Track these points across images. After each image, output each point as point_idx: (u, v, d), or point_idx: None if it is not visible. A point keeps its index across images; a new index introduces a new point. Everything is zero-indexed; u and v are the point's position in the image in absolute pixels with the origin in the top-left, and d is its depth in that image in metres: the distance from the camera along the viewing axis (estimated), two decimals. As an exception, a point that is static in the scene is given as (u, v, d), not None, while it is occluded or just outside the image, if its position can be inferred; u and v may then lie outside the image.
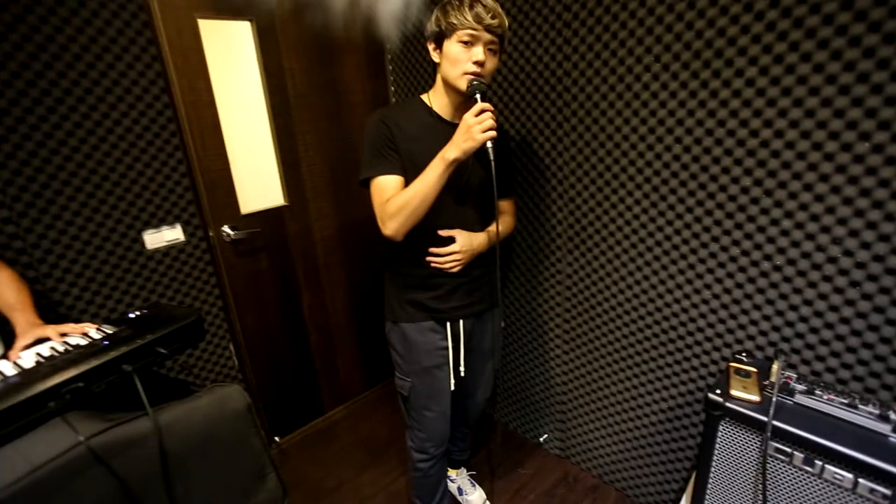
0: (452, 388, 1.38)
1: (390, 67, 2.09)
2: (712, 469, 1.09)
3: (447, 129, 1.16)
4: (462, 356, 1.36)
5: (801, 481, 0.95)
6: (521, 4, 1.49)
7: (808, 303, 1.13)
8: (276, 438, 2.07)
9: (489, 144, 1.06)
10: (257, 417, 1.09)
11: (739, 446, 1.03)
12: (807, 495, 0.94)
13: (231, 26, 1.66)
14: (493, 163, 1.08)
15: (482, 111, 1.05)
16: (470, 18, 1.07)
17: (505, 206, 1.39)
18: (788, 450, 0.94)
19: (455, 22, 1.09)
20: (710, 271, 1.28)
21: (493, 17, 1.09)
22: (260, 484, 1.11)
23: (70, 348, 0.99)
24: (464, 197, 1.25)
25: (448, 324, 1.33)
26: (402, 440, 1.56)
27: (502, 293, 1.39)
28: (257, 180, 1.82)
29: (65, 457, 0.80)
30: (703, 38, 1.14)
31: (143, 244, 1.53)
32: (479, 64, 1.10)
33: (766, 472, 0.98)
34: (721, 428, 1.04)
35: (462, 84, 1.12)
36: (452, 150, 1.07)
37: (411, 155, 1.18)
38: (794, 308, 1.16)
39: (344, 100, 1.97)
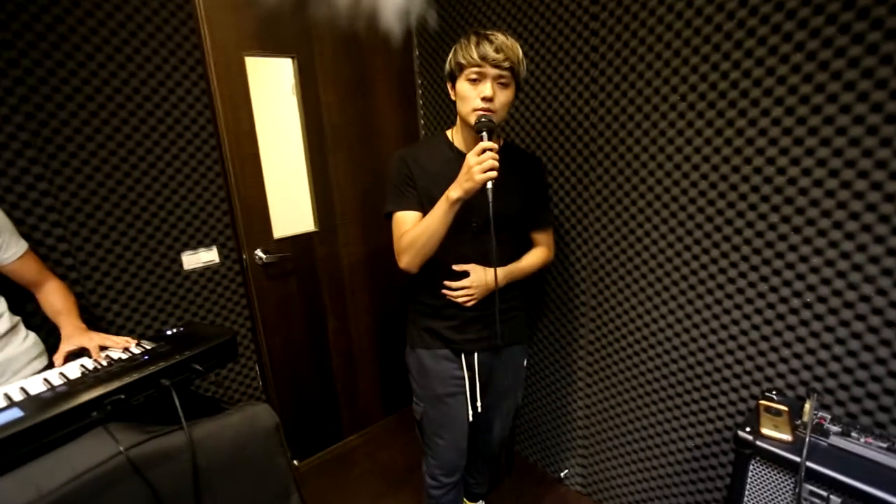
0: (470, 419, 1.37)
1: (420, 102, 2.18)
2: (743, 511, 1.05)
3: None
4: (478, 390, 1.35)
5: (838, 528, 0.91)
6: (549, 45, 1.55)
7: (840, 342, 1.11)
8: (295, 461, 2.07)
9: (489, 185, 1.07)
10: (284, 437, 1.11)
11: (771, 488, 1.00)
12: (845, 543, 0.91)
13: (274, 62, 1.78)
14: (490, 205, 1.08)
15: (485, 150, 1.06)
16: (475, 56, 1.10)
17: (540, 238, 1.38)
18: (824, 493, 0.91)
19: (462, 61, 1.13)
20: (738, 307, 1.27)
21: (497, 52, 1.10)
22: (283, 504, 1.11)
23: (112, 361, 1.04)
24: (482, 230, 1.24)
25: (463, 356, 1.33)
26: (419, 470, 1.55)
27: (508, 329, 1.33)
28: (290, 206, 1.89)
29: (105, 466, 0.83)
30: (729, 79, 1.17)
31: (181, 265, 1.60)
32: (488, 100, 1.12)
33: (800, 517, 0.95)
34: (752, 468, 1.01)
35: (472, 120, 1.15)
36: (455, 190, 1.10)
37: (429, 191, 1.22)
38: (826, 347, 1.13)
39: (375, 131, 2.05)
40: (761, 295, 1.22)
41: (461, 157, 1.21)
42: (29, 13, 1.24)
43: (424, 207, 1.23)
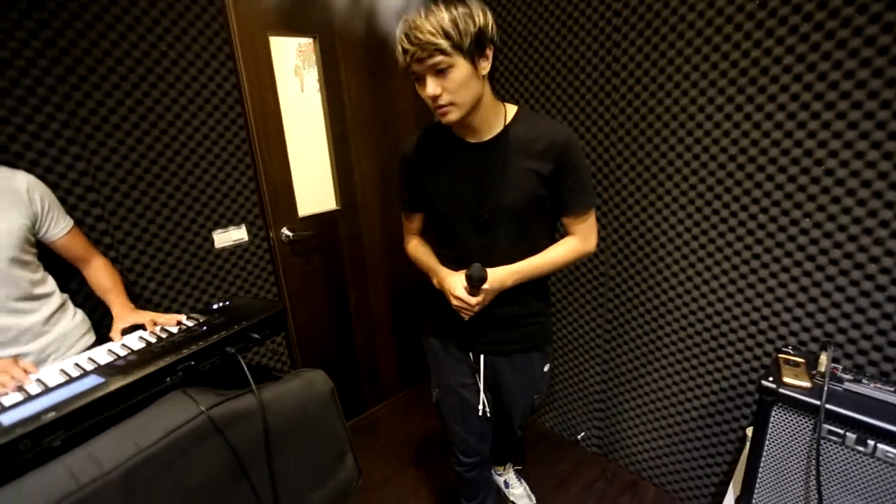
0: (480, 413, 1.31)
1: (434, 81, 2.20)
2: (763, 455, 1.15)
3: (469, 150, 1.11)
4: (481, 393, 1.28)
5: (853, 461, 1.01)
6: (570, 25, 1.59)
7: (850, 300, 1.21)
8: (320, 434, 2.13)
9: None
10: (339, 402, 1.17)
11: (791, 430, 1.09)
12: (860, 474, 1.01)
13: (297, 42, 1.78)
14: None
15: (460, 299, 1.10)
16: (401, 58, 0.96)
17: (572, 225, 1.16)
18: (841, 431, 1.01)
19: (401, 66, 0.98)
20: (754, 271, 1.36)
21: (412, 43, 0.92)
22: (340, 463, 1.18)
23: (173, 333, 1.08)
24: (488, 225, 1.11)
25: (470, 353, 1.26)
26: (440, 439, 1.59)
27: (520, 336, 1.24)
28: (313, 186, 1.92)
29: (190, 424, 0.88)
30: (750, 57, 1.23)
31: (212, 243, 1.63)
32: (435, 97, 0.97)
33: (819, 452, 1.04)
34: (774, 413, 1.11)
35: (438, 118, 1.03)
36: (435, 282, 1.21)
37: (428, 181, 1.17)
38: (836, 305, 1.23)
39: (393, 111, 2.07)
40: (776, 259, 1.31)
41: (456, 141, 1.12)
42: (63, -9, 1.23)
43: (427, 204, 1.21)
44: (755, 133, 1.26)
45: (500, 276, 1.10)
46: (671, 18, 1.34)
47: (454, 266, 1.18)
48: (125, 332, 1.13)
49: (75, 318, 1.23)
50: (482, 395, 1.30)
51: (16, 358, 0.99)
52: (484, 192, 1.09)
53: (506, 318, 1.19)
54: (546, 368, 1.34)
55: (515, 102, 1.20)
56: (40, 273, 1.16)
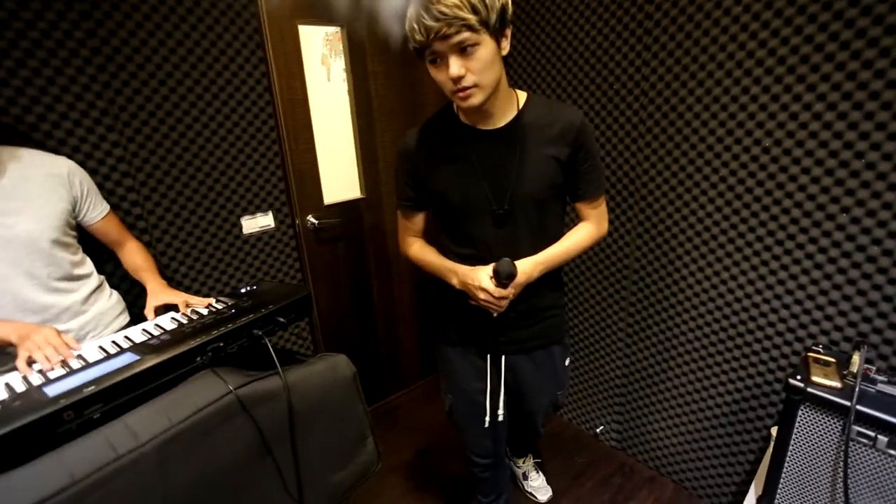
0: (486, 425, 1.25)
1: (459, 71, 2.19)
2: (788, 455, 1.13)
3: (482, 137, 1.06)
4: (501, 396, 1.22)
5: (884, 464, 0.98)
6: (600, 17, 1.56)
7: (887, 298, 1.16)
8: (341, 418, 2.18)
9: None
10: (360, 386, 1.19)
11: (819, 431, 1.07)
12: (890, 478, 0.98)
13: (324, 31, 1.80)
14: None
15: (488, 293, 1.04)
16: (419, 36, 0.89)
17: (585, 210, 1.15)
18: (872, 434, 0.98)
19: (416, 45, 0.92)
20: (784, 267, 1.32)
21: (438, 20, 0.85)
22: (361, 447, 1.21)
23: (202, 315, 1.12)
24: (507, 217, 1.06)
25: (488, 356, 1.21)
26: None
27: (542, 329, 1.20)
28: (339, 174, 1.94)
29: (219, 402, 0.91)
30: (789, 45, 1.19)
31: (241, 229, 1.67)
32: (458, 78, 0.91)
33: (847, 455, 1.02)
34: (800, 413, 1.08)
35: (457, 101, 0.97)
36: (455, 280, 1.12)
37: (436, 179, 1.10)
38: (872, 304, 1.19)
39: (418, 100, 2.08)
40: (810, 256, 1.27)
41: (466, 129, 1.07)
42: (102, -18, 1.27)
43: (435, 200, 1.13)
44: (791, 124, 1.22)
45: (528, 268, 1.06)
46: (706, 4, 1.30)
47: (473, 264, 1.11)
48: (158, 310, 1.17)
49: (111, 299, 1.28)
50: (502, 399, 1.23)
51: (58, 331, 1.04)
52: (502, 182, 1.04)
53: (527, 312, 1.16)
54: (567, 362, 1.32)
55: (524, 90, 1.13)
56: (80, 255, 1.21)
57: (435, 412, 2.27)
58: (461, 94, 0.94)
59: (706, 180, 1.42)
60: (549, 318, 1.20)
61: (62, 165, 1.16)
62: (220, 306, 1.19)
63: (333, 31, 1.81)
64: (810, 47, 1.15)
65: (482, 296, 1.05)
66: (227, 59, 1.51)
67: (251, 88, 1.58)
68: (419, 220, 1.22)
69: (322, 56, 1.86)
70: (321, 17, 1.74)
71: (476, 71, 0.91)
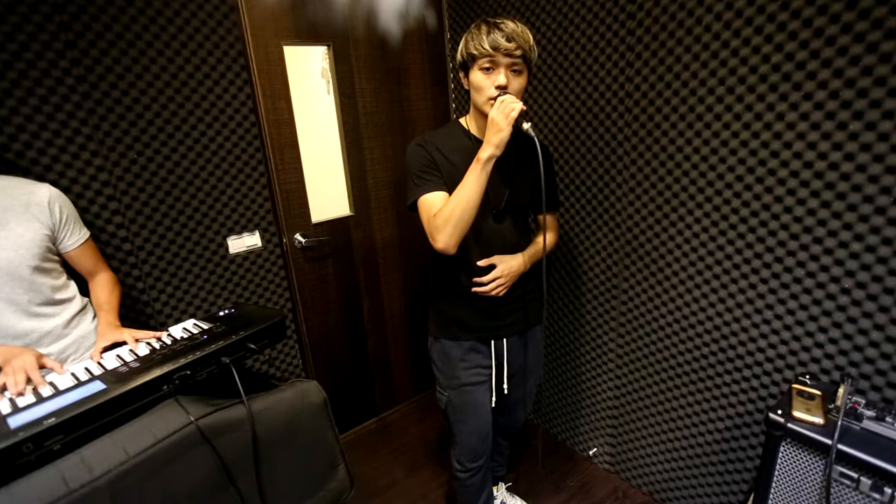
0: (493, 405, 1.42)
1: (452, 85, 2.20)
2: (772, 492, 1.09)
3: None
4: (505, 375, 1.41)
5: (867, 508, 0.94)
6: (584, 18, 1.55)
7: (879, 327, 1.12)
8: (333, 435, 2.19)
9: (526, 126, 1.09)
10: (331, 413, 1.20)
11: (801, 469, 1.03)
12: (873, 523, 0.94)
13: (309, 52, 1.82)
14: (536, 140, 1.11)
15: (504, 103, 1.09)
16: (487, 46, 1.11)
17: (550, 221, 1.40)
18: (855, 475, 0.94)
19: (475, 52, 1.14)
20: (773, 291, 1.28)
21: (508, 41, 1.10)
22: (331, 474, 1.21)
23: (176, 340, 1.13)
24: (501, 216, 1.29)
25: (492, 342, 1.37)
26: (450, 447, 1.62)
27: (546, 310, 1.40)
28: (326, 191, 1.96)
29: (179, 434, 0.92)
30: (771, 63, 1.16)
31: (227, 248, 1.70)
32: (502, 88, 1.13)
33: (829, 497, 0.98)
34: (782, 449, 1.05)
35: (488, 109, 1.14)
36: (486, 149, 1.11)
37: (452, 177, 1.21)
38: (863, 332, 1.14)
39: (408, 116, 2.09)
40: (798, 280, 1.23)
41: (478, 143, 1.19)
42: (89, 13, 1.32)
43: (450, 190, 1.22)
44: (776, 143, 1.19)
45: (518, 261, 1.30)
46: (687, 21, 1.28)
47: (474, 255, 1.28)
48: (106, 349, 1.13)
49: (94, 322, 1.31)
50: (504, 378, 1.41)
51: (40, 354, 1.06)
52: (500, 185, 1.25)
53: (517, 297, 1.36)
54: (542, 343, 1.55)
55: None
56: (62, 279, 1.25)
57: (429, 428, 2.27)
58: (495, 98, 1.13)
59: (692, 199, 1.39)
60: (533, 301, 1.42)
61: (43, 193, 1.19)
62: (195, 331, 1.21)
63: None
64: (789, 66, 1.12)
65: (502, 266, 1.27)
66: (211, 82, 1.55)
67: (236, 110, 1.61)
68: (445, 200, 1.20)
69: (322, 70, 1.88)
70: (306, 36, 1.76)
71: (515, 90, 1.16)
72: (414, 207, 1.27)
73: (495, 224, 1.29)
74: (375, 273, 2.15)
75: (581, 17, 1.55)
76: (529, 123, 1.11)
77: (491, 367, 1.39)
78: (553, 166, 1.32)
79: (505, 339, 1.38)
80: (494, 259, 1.28)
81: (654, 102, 1.41)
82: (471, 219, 1.16)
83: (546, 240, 1.28)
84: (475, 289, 1.29)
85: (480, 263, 1.28)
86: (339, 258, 2.03)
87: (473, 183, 1.13)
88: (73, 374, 1.04)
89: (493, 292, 1.29)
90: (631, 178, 1.54)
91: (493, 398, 1.42)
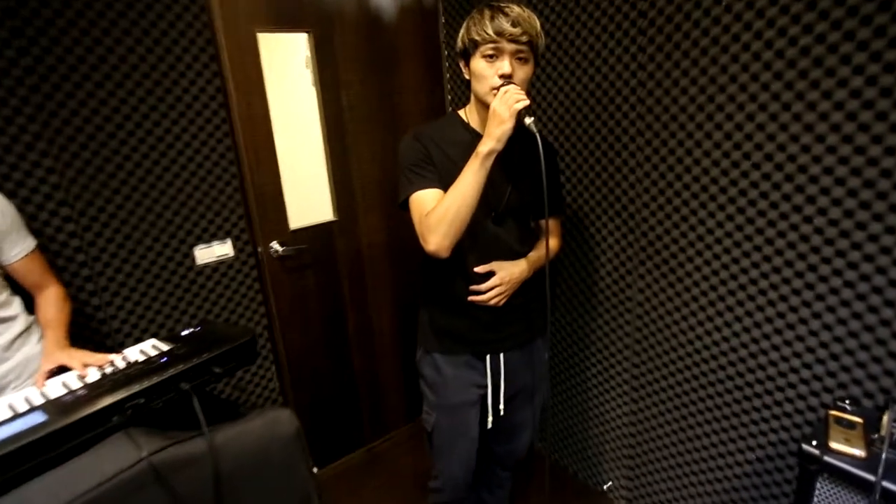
0: (489, 426, 1.40)
1: (448, 76, 2.19)
2: (809, 533, 1.06)
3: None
4: (502, 393, 1.38)
5: (918, 554, 0.90)
6: (591, 14, 1.54)
7: (927, 345, 1.09)
8: (315, 469, 2.15)
9: (528, 120, 1.09)
10: (305, 443, 1.17)
11: (842, 508, 1.00)
12: (926, 571, 0.90)
13: (288, 39, 1.82)
14: (538, 136, 1.10)
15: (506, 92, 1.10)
16: (490, 32, 1.11)
17: (553, 225, 1.40)
18: (903, 515, 0.91)
19: (477, 38, 1.14)
20: (807, 304, 1.25)
21: (514, 26, 1.10)
22: (306, 512, 1.18)
23: (130, 363, 1.11)
24: (502, 219, 1.28)
25: (488, 357, 1.36)
26: None
27: (550, 321, 1.34)
28: (307, 194, 1.95)
29: (129, 471, 0.89)
30: (785, 58, 1.14)
31: (193, 259, 1.68)
32: (506, 77, 1.13)
33: (874, 541, 0.94)
34: (818, 486, 1.01)
35: (491, 99, 1.13)
36: (487, 143, 1.10)
37: (449, 173, 1.20)
38: (909, 351, 1.11)
39: (399, 110, 2.08)
40: (834, 291, 1.20)
41: (478, 137, 1.19)
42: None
43: (446, 188, 1.20)
44: (806, 136, 1.17)
45: (520, 268, 1.30)
46: (703, 20, 1.27)
47: (470, 262, 1.27)
48: (51, 373, 1.11)
49: (40, 343, 1.28)
50: (500, 397, 1.38)
51: None
52: (499, 187, 1.24)
53: (517, 307, 1.34)
54: (546, 356, 1.54)
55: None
56: (4, 294, 1.22)
57: (421, 460, 2.23)
58: (498, 88, 1.12)
59: (713, 200, 1.37)
60: (535, 309, 1.39)
61: (-18, 199, 1.18)
62: (153, 353, 1.18)
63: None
64: (805, 63, 1.10)
65: (501, 273, 1.26)
66: (176, 74, 1.53)
67: (204, 105, 1.60)
68: (439, 198, 1.19)
69: (306, 59, 1.87)
70: (284, 22, 1.75)
71: (519, 80, 1.15)
72: (405, 206, 1.27)
73: (495, 227, 1.28)
74: (362, 284, 2.12)
75: (588, 13, 1.53)
76: (532, 118, 1.10)
77: (486, 387, 1.37)
78: (558, 166, 1.32)
79: (502, 355, 1.36)
80: (493, 265, 1.27)
81: (669, 92, 1.40)
82: (467, 219, 1.15)
83: (549, 246, 1.27)
84: (472, 297, 1.28)
85: (478, 270, 1.26)
86: (322, 268, 2.00)
87: (471, 179, 1.12)
88: (9, 406, 1.01)
89: (492, 301, 1.27)
90: (645, 176, 1.52)
91: (490, 420, 1.39)
